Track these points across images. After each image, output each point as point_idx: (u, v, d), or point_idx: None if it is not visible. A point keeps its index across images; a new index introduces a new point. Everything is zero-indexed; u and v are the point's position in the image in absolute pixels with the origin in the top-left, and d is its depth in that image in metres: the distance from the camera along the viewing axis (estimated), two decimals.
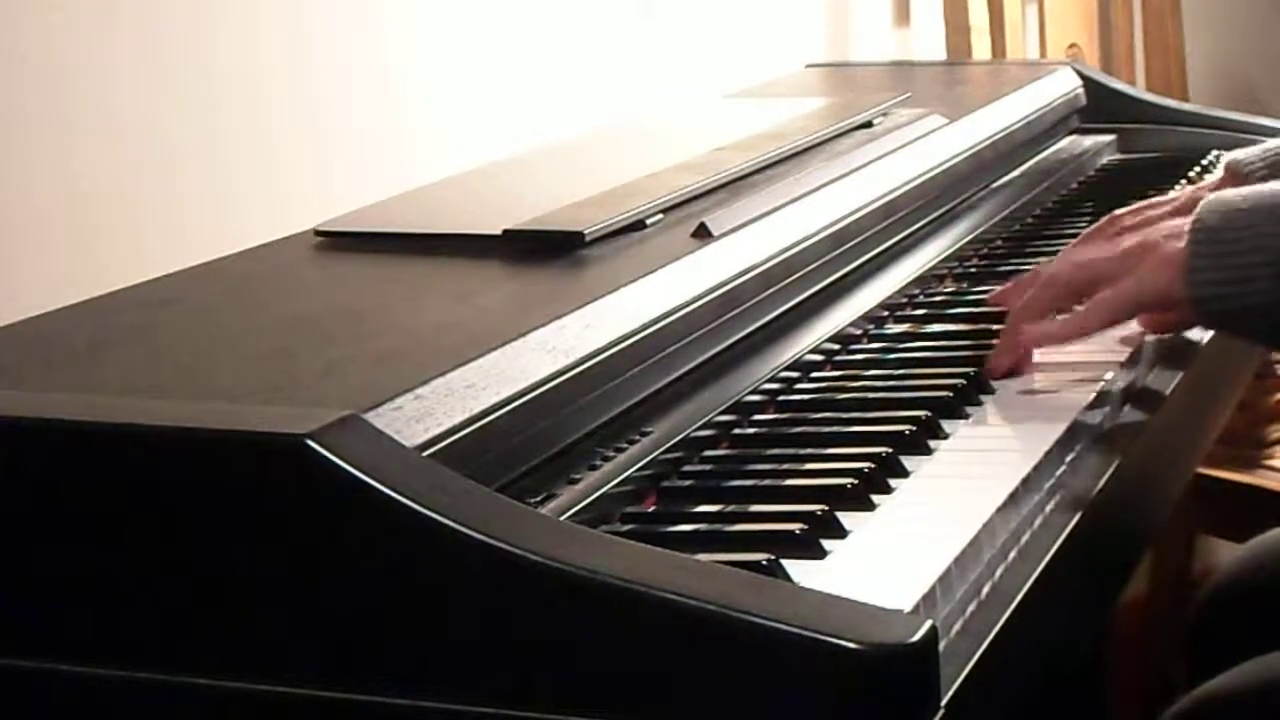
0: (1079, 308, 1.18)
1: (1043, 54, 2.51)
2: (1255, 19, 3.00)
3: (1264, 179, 1.35)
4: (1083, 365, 1.19)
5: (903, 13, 2.53)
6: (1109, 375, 1.17)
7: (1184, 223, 1.13)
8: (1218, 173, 1.42)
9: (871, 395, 1.15)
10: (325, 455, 0.78)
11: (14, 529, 0.85)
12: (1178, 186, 1.61)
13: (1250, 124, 1.83)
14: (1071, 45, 2.57)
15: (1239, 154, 1.39)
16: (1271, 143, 1.38)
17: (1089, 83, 1.89)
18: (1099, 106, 1.89)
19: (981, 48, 2.37)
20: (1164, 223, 1.18)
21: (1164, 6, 2.61)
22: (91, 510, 0.83)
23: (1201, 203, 1.13)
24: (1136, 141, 1.86)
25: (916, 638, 0.73)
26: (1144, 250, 1.14)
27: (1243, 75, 2.95)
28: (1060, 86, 1.84)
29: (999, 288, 1.31)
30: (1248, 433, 2.22)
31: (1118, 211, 1.38)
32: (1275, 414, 2.29)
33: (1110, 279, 1.15)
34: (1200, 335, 1.30)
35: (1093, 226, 1.37)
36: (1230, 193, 1.13)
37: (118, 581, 0.83)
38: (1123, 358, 1.20)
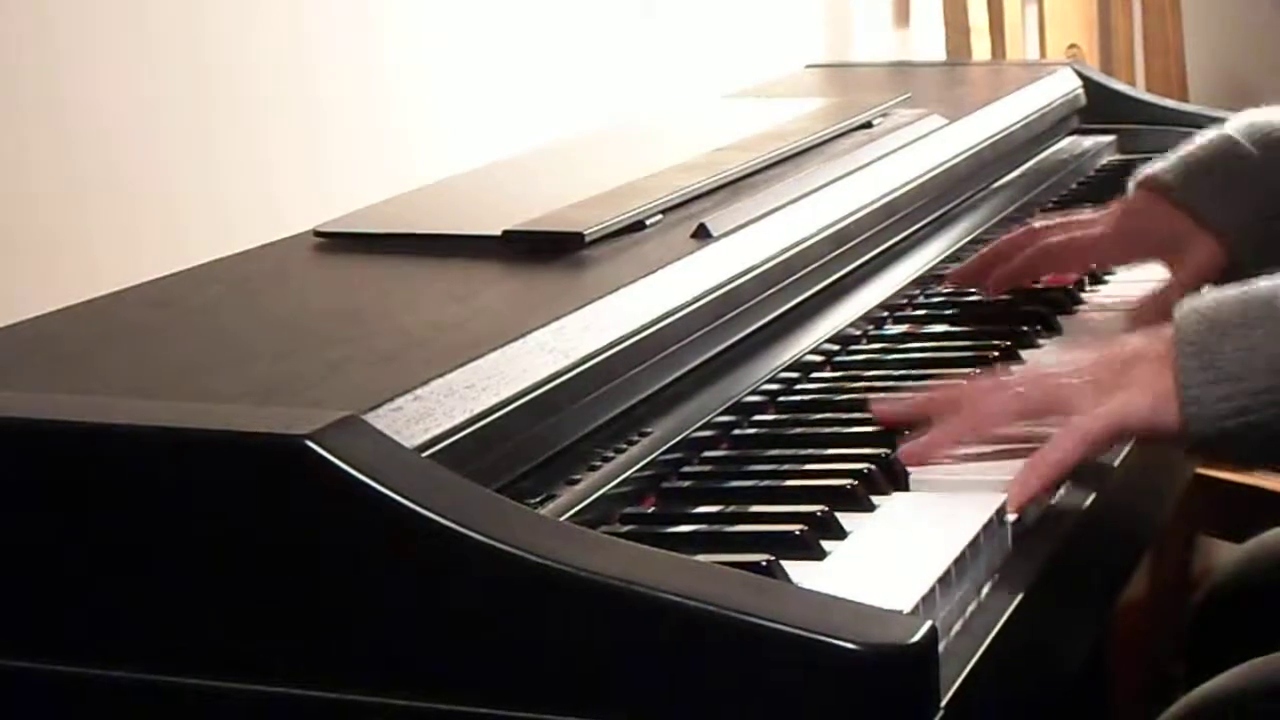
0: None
1: (1043, 54, 2.51)
2: (1255, 19, 3.00)
3: (1182, 190, 1.31)
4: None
5: (903, 13, 2.53)
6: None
7: (1158, 343, 1.01)
8: (1133, 191, 1.35)
9: (871, 396, 1.15)
10: (325, 456, 0.78)
11: (14, 529, 0.85)
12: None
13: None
14: (1071, 45, 2.57)
15: (1156, 169, 1.34)
16: (1182, 151, 1.36)
17: (1089, 83, 1.89)
18: (1099, 107, 1.88)
19: (981, 48, 2.37)
20: (1134, 340, 1.04)
21: (1164, 6, 2.61)
22: (91, 511, 0.83)
23: (1179, 318, 1.01)
24: (1136, 142, 1.86)
25: (916, 638, 0.73)
26: (1121, 373, 1.01)
27: (1243, 75, 2.95)
28: (1060, 87, 1.84)
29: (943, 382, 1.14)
30: None
31: (1036, 224, 1.37)
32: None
33: (1076, 407, 1.01)
34: None
35: (1010, 235, 1.36)
36: (1205, 300, 1.02)
37: (118, 582, 0.83)
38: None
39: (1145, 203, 1.34)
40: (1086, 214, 1.38)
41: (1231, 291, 1.02)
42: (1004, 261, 1.36)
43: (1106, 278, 1.44)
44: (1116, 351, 1.03)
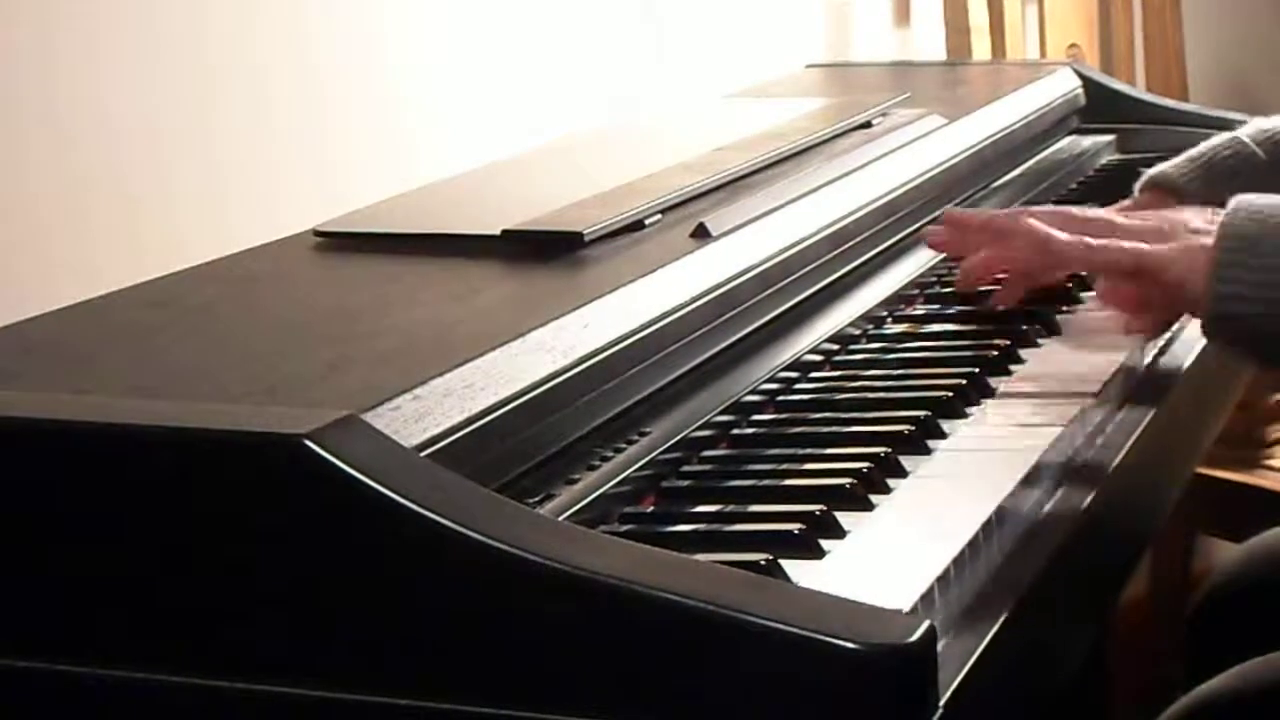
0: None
1: (1043, 54, 2.51)
2: (1255, 19, 2.99)
3: (1199, 189, 1.33)
4: (1082, 366, 1.19)
5: (903, 13, 2.53)
6: (1108, 376, 1.17)
7: (1206, 225, 1.09)
8: (1139, 191, 1.37)
9: (871, 395, 1.15)
10: (324, 455, 0.78)
11: (14, 529, 0.85)
12: None
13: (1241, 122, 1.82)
14: (1071, 45, 2.57)
15: (1166, 169, 1.36)
16: (1192, 152, 1.37)
17: (1089, 83, 1.89)
18: (1099, 107, 1.88)
19: (981, 48, 2.37)
20: (1187, 215, 1.13)
21: (1164, 6, 2.61)
22: (91, 510, 0.83)
23: (1231, 206, 1.08)
24: (1136, 142, 1.86)
25: (915, 638, 0.73)
26: (1172, 229, 1.10)
27: (1243, 75, 2.95)
28: (1060, 87, 1.84)
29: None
30: (1248, 433, 2.22)
31: (1031, 210, 1.37)
32: (1275, 414, 2.29)
33: (1128, 231, 1.12)
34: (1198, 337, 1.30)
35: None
36: (1261, 199, 1.09)
37: (117, 582, 0.83)
38: (1122, 358, 1.20)
39: (1151, 201, 1.35)
40: (1085, 210, 1.38)
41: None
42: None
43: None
44: (1172, 217, 1.11)
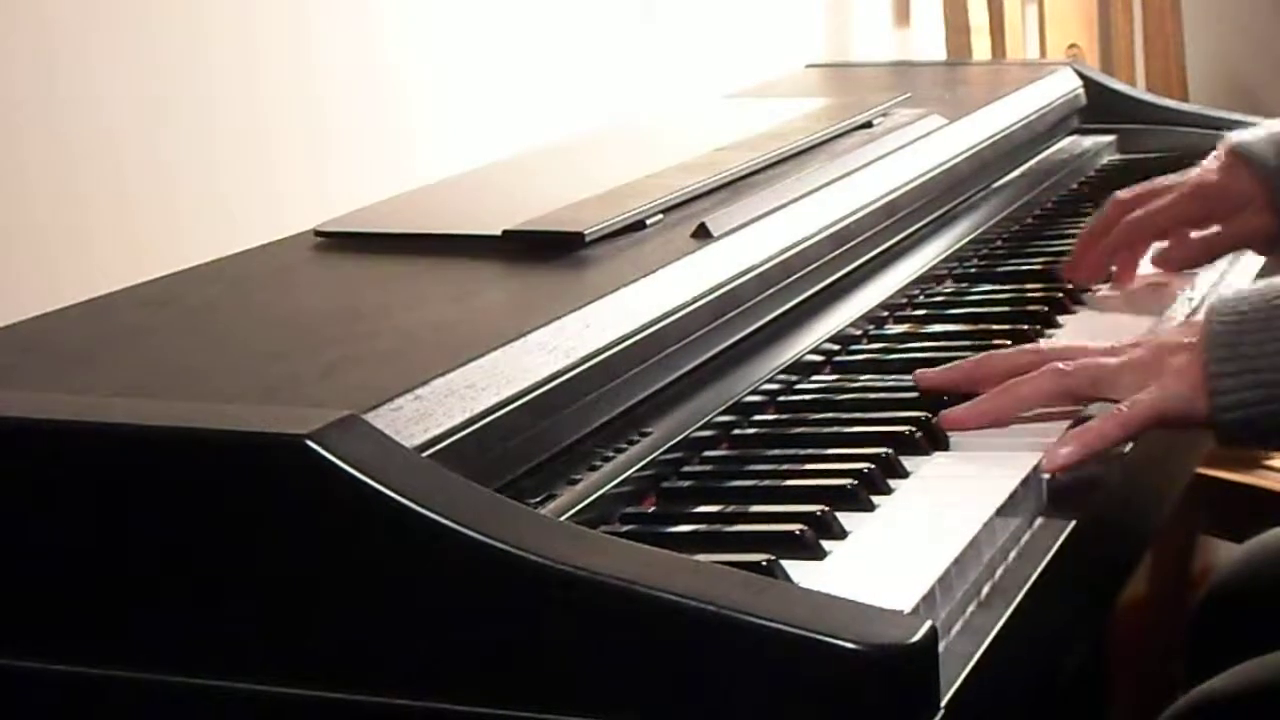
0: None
1: (1043, 54, 2.51)
2: (1255, 19, 2.99)
3: (1271, 161, 1.36)
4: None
5: (903, 13, 2.53)
6: None
7: (1190, 334, 1.07)
8: (1219, 155, 1.41)
9: (871, 396, 1.15)
10: (325, 455, 0.78)
11: (13, 529, 0.85)
12: None
13: (1250, 124, 1.82)
14: (1071, 45, 2.57)
15: (1245, 137, 1.40)
16: (1274, 125, 1.40)
17: (1089, 83, 1.89)
18: (1099, 107, 1.88)
19: (981, 48, 2.37)
20: (1169, 330, 1.13)
21: (1164, 6, 2.61)
22: (91, 510, 0.83)
23: (1207, 311, 1.07)
24: (1136, 142, 1.86)
25: (916, 638, 0.73)
26: (1157, 360, 1.06)
27: (1243, 75, 2.95)
28: (1060, 87, 1.84)
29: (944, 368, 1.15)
30: None
31: (1120, 195, 1.41)
32: None
33: (1113, 389, 1.07)
34: None
35: (1100, 214, 1.41)
36: (1234, 296, 1.07)
37: (117, 582, 0.83)
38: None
39: (1227, 166, 1.39)
40: (1169, 179, 1.42)
41: (1258, 286, 1.08)
42: (1099, 241, 1.40)
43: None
44: (1153, 340, 1.09)
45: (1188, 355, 1.05)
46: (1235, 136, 1.41)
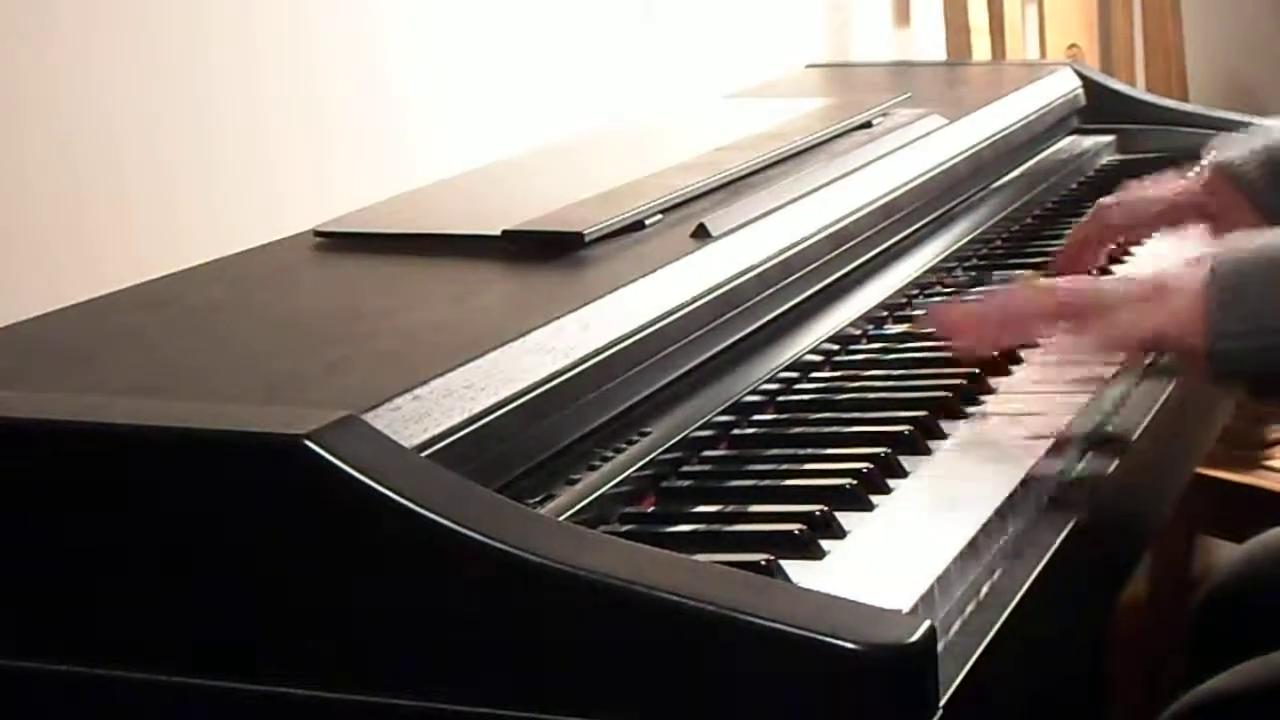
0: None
1: (1043, 54, 2.51)
2: (1255, 19, 2.99)
3: (1257, 179, 1.35)
4: (1080, 368, 1.19)
5: (903, 13, 2.53)
6: (1107, 376, 1.17)
7: (1194, 276, 1.08)
8: (1204, 172, 1.40)
9: (871, 395, 1.15)
10: (323, 455, 0.78)
11: (13, 529, 0.85)
12: None
13: (1250, 124, 1.82)
14: (1071, 45, 2.57)
15: (1230, 155, 1.38)
16: (1256, 141, 1.38)
17: (1089, 83, 1.89)
18: (1099, 107, 1.88)
19: (981, 48, 2.37)
20: (1173, 271, 1.13)
21: (1164, 6, 2.60)
22: (91, 510, 0.83)
23: (1216, 258, 1.08)
24: (1136, 142, 1.86)
25: (915, 638, 0.73)
26: (1157, 292, 1.09)
27: (1243, 75, 2.95)
28: (1060, 87, 1.84)
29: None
30: (1248, 433, 2.22)
31: (1103, 201, 1.41)
32: (1275, 414, 2.28)
33: (1111, 320, 1.10)
34: None
35: (1081, 223, 1.41)
36: (1237, 247, 1.09)
37: (117, 582, 0.83)
38: (1120, 359, 1.20)
39: (1216, 184, 1.39)
40: (1150, 190, 1.43)
41: (1264, 235, 1.10)
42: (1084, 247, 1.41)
43: (1125, 258, 1.47)
44: (1157, 277, 1.11)
45: (1190, 294, 1.07)
46: (1220, 155, 1.39)
